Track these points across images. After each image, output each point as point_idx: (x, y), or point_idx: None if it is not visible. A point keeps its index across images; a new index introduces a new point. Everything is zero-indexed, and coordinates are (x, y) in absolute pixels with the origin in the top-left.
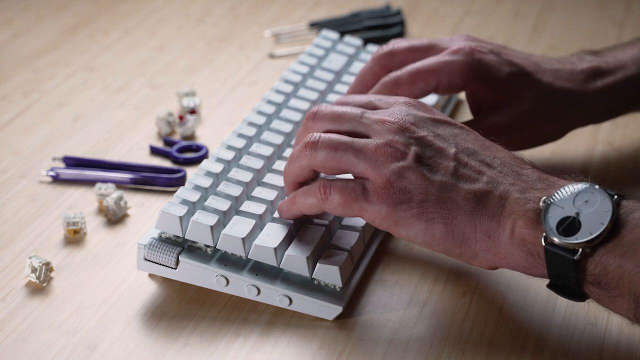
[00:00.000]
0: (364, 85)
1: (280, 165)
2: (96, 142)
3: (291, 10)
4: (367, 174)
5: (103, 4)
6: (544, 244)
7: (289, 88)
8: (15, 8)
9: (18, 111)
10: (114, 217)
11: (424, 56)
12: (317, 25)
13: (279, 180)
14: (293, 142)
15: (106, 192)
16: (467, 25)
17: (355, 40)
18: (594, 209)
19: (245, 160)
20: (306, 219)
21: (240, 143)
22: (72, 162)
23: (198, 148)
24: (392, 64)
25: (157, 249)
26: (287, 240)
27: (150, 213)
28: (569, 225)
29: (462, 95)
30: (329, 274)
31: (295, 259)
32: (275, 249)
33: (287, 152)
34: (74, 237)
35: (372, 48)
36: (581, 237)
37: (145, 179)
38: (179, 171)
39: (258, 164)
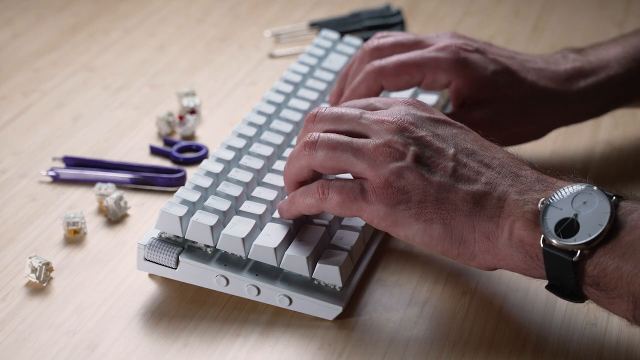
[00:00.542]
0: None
1: (280, 165)
2: (96, 142)
3: (291, 10)
4: (365, 173)
5: (103, 4)
6: (542, 245)
7: (289, 88)
8: (15, 8)
9: (18, 111)
10: (114, 217)
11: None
12: (317, 25)
13: (279, 180)
14: (294, 144)
15: (106, 192)
16: (467, 25)
17: (355, 40)
18: (592, 210)
19: (245, 160)
20: (306, 219)
21: (240, 143)
22: (72, 162)
23: (198, 148)
24: (378, 59)
25: (157, 249)
26: (287, 240)
27: (150, 213)
28: (568, 227)
29: None
30: (329, 274)
31: (295, 259)
32: (275, 249)
33: (287, 152)
34: (74, 237)
35: None
36: (580, 239)
37: (145, 179)
38: (179, 171)
39: (258, 164)
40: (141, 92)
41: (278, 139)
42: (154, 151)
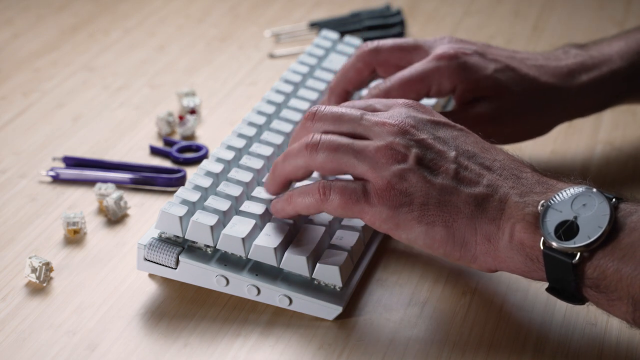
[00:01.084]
0: (346, 81)
1: None
2: (96, 142)
3: (291, 10)
4: (367, 175)
5: (103, 4)
6: (542, 248)
7: (289, 88)
8: (15, 8)
9: (18, 111)
10: (114, 217)
11: (408, 56)
12: (317, 25)
13: None
14: (289, 143)
15: (106, 192)
16: (467, 25)
17: (355, 40)
18: (592, 213)
19: (245, 160)
20: (306, 219)
21: (240, 143)
22: (72, 162)
23: (198, 148)
24: (375, 61)
25: (157, 249)
26: (287, 240)
27: (150, 213)
28: (567, 229)
29: None
30: (329, 274)
31: (295, 259)
32: (275, 249)
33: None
34: (74, 237)
35: None
36: (579, 241)
37: (145, 179)
38: (179, 171)
39: (258, 164)
40: (141, 92)
41: (278, 139)
42: (154, 151)
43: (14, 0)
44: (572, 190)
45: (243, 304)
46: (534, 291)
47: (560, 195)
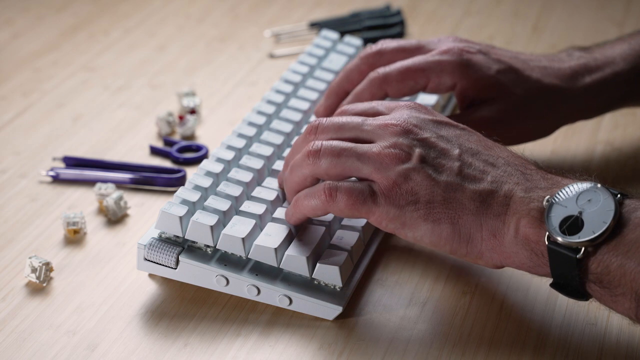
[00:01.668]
0: (348, 82)
1: (280, 165)
2: (96, 142)
3: (291, 10)
4: (372, 176)
5: (103, 4)
6: (547, 242)
7: (289, 88)
8: (15, 8)
9: (18, 111)
10: (114, 217)
11: (412, 57)
12: (317, 25)
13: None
14: (288, 153)
15: (106, 192)
16: (467, 25)
17: (355, 40)
18: (596, 208)
19: (245, 160)
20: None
21: (240, 143)
22: (72, 162)
23: (198, 148)
24: (379, 63)
25: (157, 249)
26: (287, 240)
27: (150, 213)
28: (572, 224)
29: None
30: (329, 274)
31: (295, 259)
32: (275, 249)
33: (287, 152)
34: (74, 237)
35: None
36: (584, 236)
37: (145, 179)
38: (179, 171)
39: (258, 164)
40: (141, 92)
41: (278, 139)
42: (154, 151)
43: (14, 0)
44: (577, 186)
45: (243, 304)
46: (534, 291)
47: (566, 190)
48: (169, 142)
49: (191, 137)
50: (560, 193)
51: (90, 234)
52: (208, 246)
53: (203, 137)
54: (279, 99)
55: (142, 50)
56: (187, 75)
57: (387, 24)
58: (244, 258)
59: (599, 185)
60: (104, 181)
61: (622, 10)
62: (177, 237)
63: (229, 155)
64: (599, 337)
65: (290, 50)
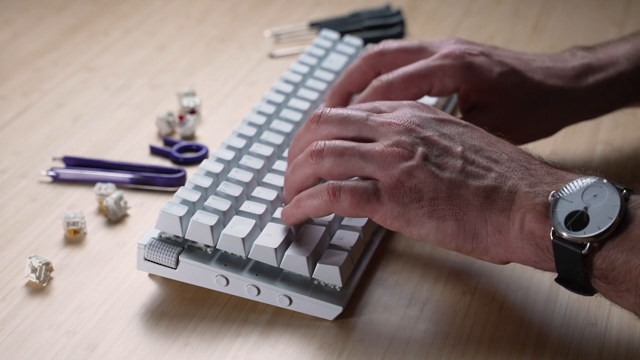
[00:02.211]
0: (350, 82)
1: (280, 165)
2: (96, 142)
3: (291, 10)
4: (376, 175)
5: (103, 4)
6: (552, 238)
7: (289, 88)
8: (15, 8)
9: (18, 111)
10: (114, 217)
11: (414, 58)
12: (317, 25)
13: (279, 180)
14: (291, 144)
15: (106, 192)
16: (467, 25)
17: (355, 40)
18: (602, 204)
19: (245, 160)
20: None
21: (240, 143)
22: (72, 162)
23: (198, 148)
24: (381, 64)
25: (157, 249)
26: (287, 240)
27: (150, 213)
28: (578, 220)
29: None
30: (329, 274)
31: (295, 259)
32: (275, 249)
33: (287, 152)
34: (74, 237)
35: None
36: (589, 232)
37: (145, 179)
38: (179, 171)
39: (258, 164)
40: (141, 92)
41: (278, 139)
42: (154, 151)
43: (14, 0)
44: (582, 181)
45: (243, 304)
46: (534, 291)
47: (571, 185)
48: (169, 142)
49: (191, 137)
50: (565, 188)
51: (90, 234)
52: (208, 246)
53: (203, 137)
54: (279, 99)
55: (142, 50)
56: (187, 75)
57: (387, 24)
58: (244, 258)
59: (604, 180)
60: (104, 181)
61: (622, 10)
62: (177, 237)
63: (229, 155)
64: (599, 337)
65: (290, 50)
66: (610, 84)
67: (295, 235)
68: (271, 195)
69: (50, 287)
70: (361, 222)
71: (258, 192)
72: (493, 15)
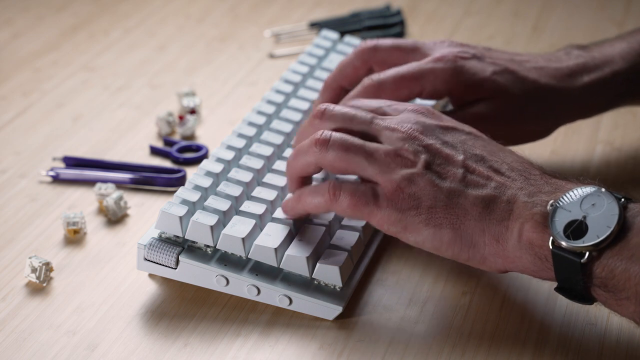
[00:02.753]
0: (343, 77)
1: (280, 165)
2: (96, 142)
3: (291, 10)
4: (377, 178)
5: (103, 4)
6: (551, 247)
7: (289, 88)
8: (15, 8)
9: (18, 111)
10: (114, 217)
11: (407, 57)
12: (317, 25)
13: (279, 180)
14: (294, 139)
15: (106, 192)
16: (467, 25)
17: (355, 40)
18: (600, 212)
19: (245, 160)
20: (306, 218)
21: (240, 143)
22: (72, 162)
23: (198, 148)
24: (373, 59)
25: (157, 249)
26: (287, 240)
27: (150, 213)
28: (576, 229)
29: None
30: (329, 274)
31: (295, 259)
32: (275, 249)
33: (287, 152)
34: (74, 237)
35: None
36: (588, 241)
37: (145, 179)
38: (179, 171)
39: (258, 164)
40: (141, 92)
41: (278, 139)
42: (154, 151)
43: (14, 0)
44: (581, 190)
45: (243, 304)
46: (534, 291)
47: (569, 195)
48: (169, 142)
49: (191, 137)
50: (564, 197)
51: (90, 234)
52: (208, 246)
53: (203, 137)
54: (279, 99)
55: (142, 50)
56: (187, 75)
57: (387, 24)
58: (244, 258)
59: (602, 189)
60: (104, 181)
61: (622, 10)
62: (177, 237)
63: (229, 155)
64: (599, 337)
65: (290, 50)
66: (605, 83)
67: (295, 235)
68: (271, 195)
69: (50, 287)
70: (361, 222)
71: (258, 192)
72: (493, 15)
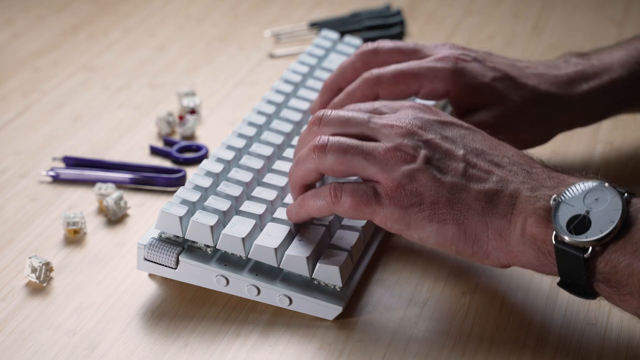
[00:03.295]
0: (343, 78)
1: (280, 165)
2: (96, 142)
3: (291, 10)
4: (377, 177)
5: (103, 4)
6: (554, 242)
7: (289, 88)
8: (15, 8)
9: (18, 111)
10: (114, 217)
11: (408, 59)
12: (317, 25)
13: (279, 180)
14: (295, 148)
15: (106, 192)
16: (467, 25)
17: (355, 40)
18: (604, 207)
19: (245, 160)
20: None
21: (240, 143)
22: (72, 162)
23: (198, 148)
24: (374, 62)
25: (157, 249)
26: (287, 240)
27: (150, 213)
28: (579, 224)
29: None
30: (329, 274)
31: (295, 259)
32: (275, 249)
33: (287, 152)
34: (74, 237)
35: None
36: (591, 235)
37: (145, 179)
38: (179, 171)
39: (258, 164)
40: (141, 92)
41: (278, 139)
42: (154, 151)
43: (14, 0)
44: (584, 184)
45: (243, 304)
46: (534, 291)
47: (572, 189)
48: (169, 142)
49: (191, 137)
50: (567, 192)
51: (90, 234)
52: (208, 246)
53: (203, 137)
54: (279, 99)
55: (142, 50)
56: (187, 75)
57: (387, 24)
58: (244, 258)
59: (606, 184)
60: (104, 181)
61: (622, 10)
62: (177, 237)
63: (229, 155)
64: (599, 337)
65: (290, 50)
66: (604, 91)
67: (295, 235)
68: (271, 195)
69: (50, 287)
70: (361, 222)
71: (258, 192)
72: (493, 15)
